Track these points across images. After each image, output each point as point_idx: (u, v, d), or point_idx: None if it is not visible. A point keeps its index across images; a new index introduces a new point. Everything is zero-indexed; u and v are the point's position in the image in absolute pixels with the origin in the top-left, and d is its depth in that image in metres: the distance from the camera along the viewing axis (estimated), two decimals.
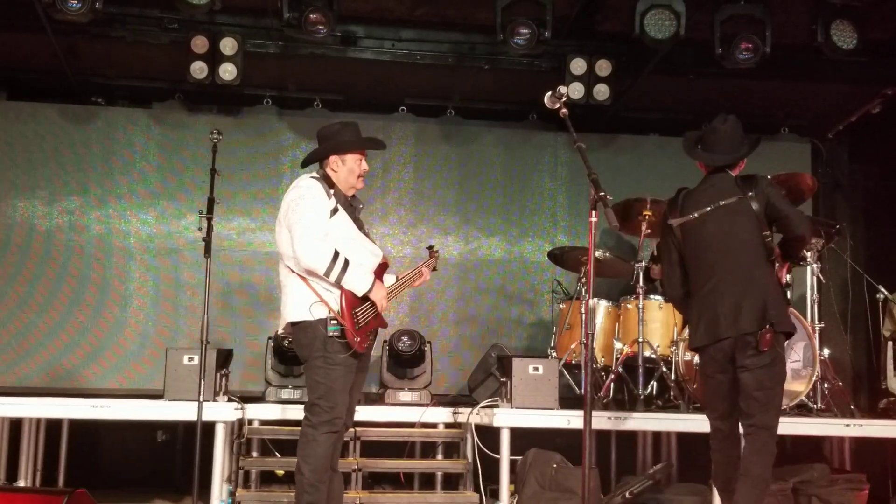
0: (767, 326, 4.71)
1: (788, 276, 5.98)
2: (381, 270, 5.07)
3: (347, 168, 5.02)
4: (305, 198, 4.87)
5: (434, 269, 5.61)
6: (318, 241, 4.78)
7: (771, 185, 5.02)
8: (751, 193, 4.91)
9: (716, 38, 7.04)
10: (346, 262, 4.80)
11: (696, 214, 4.99)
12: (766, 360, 4.74)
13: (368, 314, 4.91)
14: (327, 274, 4.76)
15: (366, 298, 4.88)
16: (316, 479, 4.76)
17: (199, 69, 7.40)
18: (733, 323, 4.79)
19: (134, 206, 8.45)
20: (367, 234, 5.13)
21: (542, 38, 6.96)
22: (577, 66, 7.58)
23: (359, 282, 4.83)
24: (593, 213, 3.92)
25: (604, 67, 7.59)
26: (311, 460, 4.77)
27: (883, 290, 6.91)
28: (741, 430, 4.88)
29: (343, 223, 4.94)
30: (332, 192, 4.95)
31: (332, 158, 5.03)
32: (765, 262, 4.89)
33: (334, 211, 4.90)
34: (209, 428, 5.85)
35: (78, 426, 6.95)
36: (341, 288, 4.81)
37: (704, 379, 5.14)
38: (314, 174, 5.04)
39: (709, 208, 4.96)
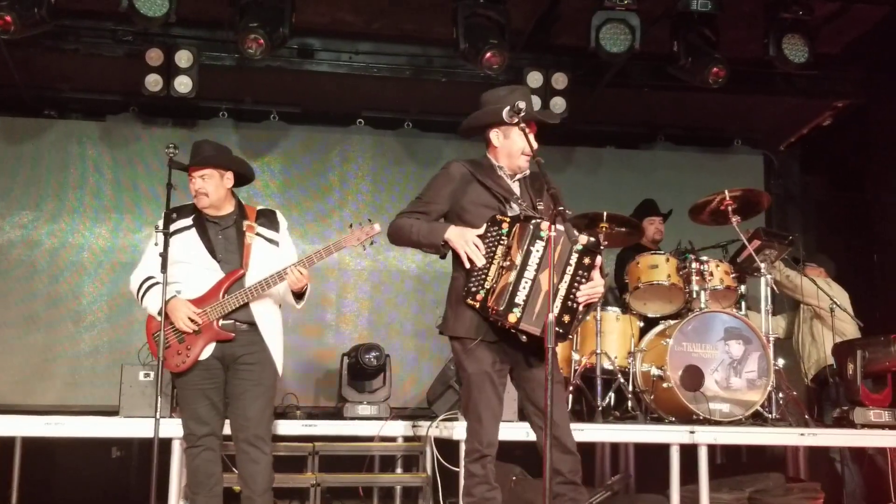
0: None
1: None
2: (227, 281, 4.86)
3: None
4: None
5: (364, 247, 5.26)
6: (134, 273, 5.00)
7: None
8: None
9: (681, 50, 7.14)
10: (150, 287, 4.87)
11: None
12: None
13: (173, 334, 4.85)
14: (139, 302, 4.95)
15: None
16: (191, 492, 5.00)
17: (153, 82, 7.33)
18: None
19: (87, 220, 8.36)
20: (240, 249, 4.89)
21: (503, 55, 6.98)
22: (534, 79, 7.63)
23: (150, 302, 4.88)
24: (551, 227, 3.91)
25: (560, 81, 7.64)
26: (187, 475, 5.09)
27: (834, 300, 7.00)
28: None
29: (176, 245, 4.86)
30: (191, 215, 4.93)
31: None
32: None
33: (171, 234, 4.85)
34: (166, 444, 5.78)
35: (31, 444, 6.81)
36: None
37: None
38: None
39: None
